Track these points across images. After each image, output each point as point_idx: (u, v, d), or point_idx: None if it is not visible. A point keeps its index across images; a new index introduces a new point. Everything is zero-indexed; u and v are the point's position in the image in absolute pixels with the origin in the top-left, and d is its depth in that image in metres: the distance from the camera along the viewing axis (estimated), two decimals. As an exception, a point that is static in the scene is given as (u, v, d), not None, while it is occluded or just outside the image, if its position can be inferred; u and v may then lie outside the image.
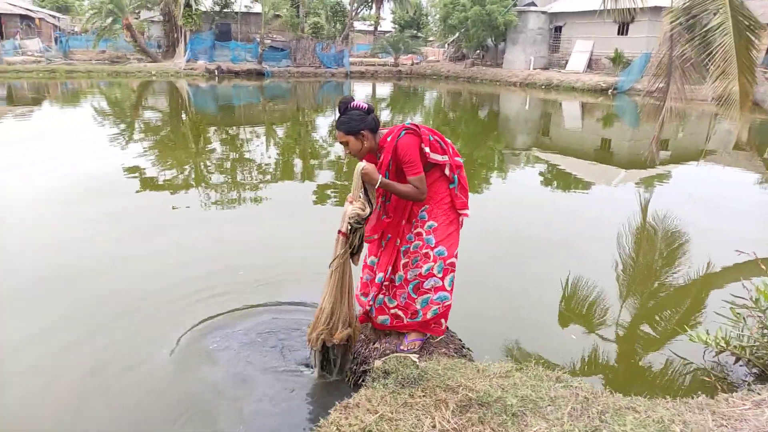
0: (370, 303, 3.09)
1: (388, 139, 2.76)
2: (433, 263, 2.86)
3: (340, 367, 3.09)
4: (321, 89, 25.52)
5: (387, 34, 44.01)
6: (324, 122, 15.27)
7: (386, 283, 3.01)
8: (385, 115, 16.61)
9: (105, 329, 3.58)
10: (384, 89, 26.95)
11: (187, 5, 26.60)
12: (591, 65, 27.02)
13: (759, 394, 2.39)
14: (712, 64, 6.49)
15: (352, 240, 2.75)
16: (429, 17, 40.83)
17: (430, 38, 41.11)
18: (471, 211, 2.94)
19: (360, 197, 2.72)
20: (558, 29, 29.17)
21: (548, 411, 2.24)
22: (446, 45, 35.01)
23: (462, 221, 2.99)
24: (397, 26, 42.14)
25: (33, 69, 24.82)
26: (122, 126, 12.95)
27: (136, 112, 15.73)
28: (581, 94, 23.71)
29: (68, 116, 14.76)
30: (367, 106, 2.75)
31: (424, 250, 2.87)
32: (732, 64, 6.37)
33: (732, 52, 6.38)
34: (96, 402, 2.90)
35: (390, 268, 2.98)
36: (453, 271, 2.93)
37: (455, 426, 2.15)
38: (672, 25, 7.39)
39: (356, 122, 2.72)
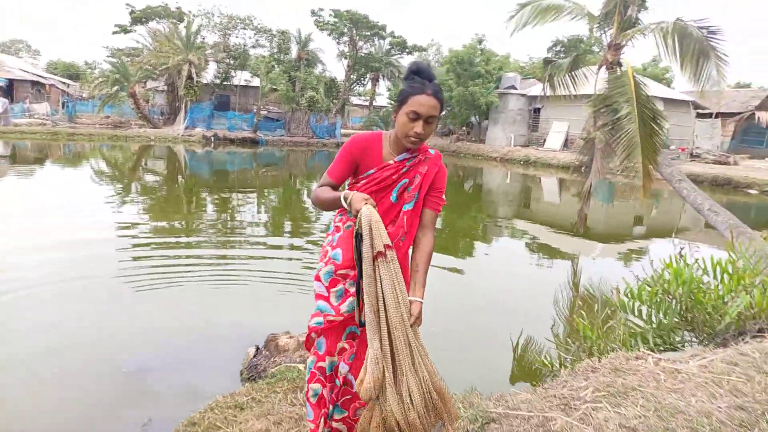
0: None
1: (431, 151, 2.23)
2: None
3: None
4: (312, 158, 26.96)
5: (382, 110, 46.56)
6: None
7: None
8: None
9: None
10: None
11: (189, 77, 28.48)
12: (567, 144, 28.62)
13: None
14: (619, 147, 7.50)
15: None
16: (420, 95, 43.15)
17: (422, 114, 43.23)
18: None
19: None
20: (537, 110, 31.08)
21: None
22: (434, 121, 36.89)
23: None
24: (392, 102, 44.71)
25: (37, 131, 26.23)
26: (117, 185, 13.95)
27: (132, 174, 16.82)
28: (557, 171, 25.04)
29: (65, 176, 15.80)
30: None
31: None
32: (637, 149, 7.37)
33: (636, 138, 7.40)
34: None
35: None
36: None
37: (302, 401, 2.86)
38: (593, 110, 8.50)
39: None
